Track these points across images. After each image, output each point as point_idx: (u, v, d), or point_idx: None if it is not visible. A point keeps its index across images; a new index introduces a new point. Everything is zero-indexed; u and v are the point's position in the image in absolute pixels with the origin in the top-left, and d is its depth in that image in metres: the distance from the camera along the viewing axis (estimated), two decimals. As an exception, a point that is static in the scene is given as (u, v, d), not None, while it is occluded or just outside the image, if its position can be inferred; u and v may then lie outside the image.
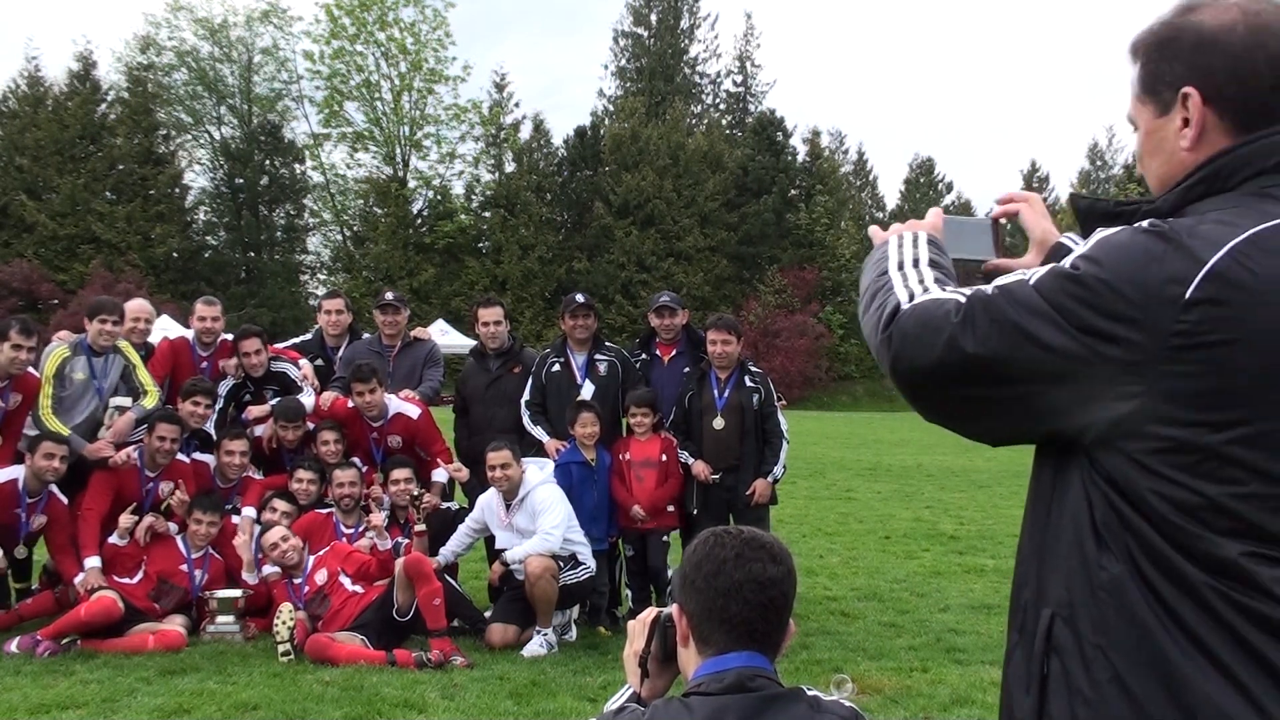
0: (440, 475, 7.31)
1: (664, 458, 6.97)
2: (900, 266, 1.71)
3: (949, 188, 62.53)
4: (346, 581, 6.45)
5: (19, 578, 7.07)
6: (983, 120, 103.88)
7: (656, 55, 60.11)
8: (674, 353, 7.38)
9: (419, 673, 5.68)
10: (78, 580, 6.33)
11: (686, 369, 7.26)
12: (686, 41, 61.37)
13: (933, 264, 1.72)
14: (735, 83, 62.23)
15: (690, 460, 6.97)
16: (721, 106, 62.47)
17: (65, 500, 6.60)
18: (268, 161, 53.18)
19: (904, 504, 13.65)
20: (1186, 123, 1.56)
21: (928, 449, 23.67)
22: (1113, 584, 1.48)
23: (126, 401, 7.00)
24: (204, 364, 7.54)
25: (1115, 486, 1.48)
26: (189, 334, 7.82)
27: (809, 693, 1.97)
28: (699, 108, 61.53)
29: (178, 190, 51.84)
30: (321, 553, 6.65)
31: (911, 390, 1.59)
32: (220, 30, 52.63)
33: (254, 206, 53.25)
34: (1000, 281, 1.55)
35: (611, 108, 59.32)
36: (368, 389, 7.02)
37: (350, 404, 7.19)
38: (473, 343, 8.20)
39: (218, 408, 7.37)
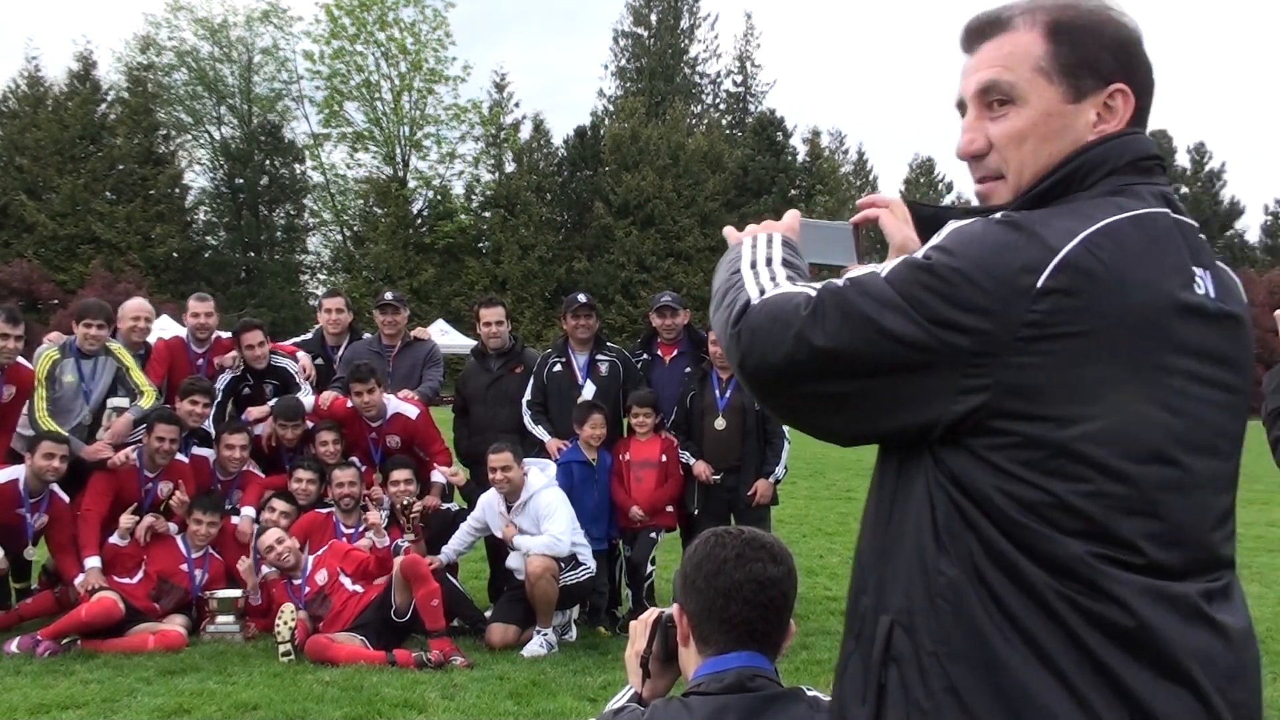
0: (439, 476, 7.31)
1: (664, 458, 6.96)
2: (753, 265, 1.65)
3: (949, 188, 62.45)
4: (347, 582, 6.45)
5: (18, 577, 7.08)
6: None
7: (656, 55, 60.09)
8: (675, 353, 7.38)
9: (419, 673, 5.68)
10: (78, 581, 6.33)
11: (688, 369, 7.26)
12: (686, 41, 61.36)
13: (785, 263, 1.66)
14: (735, 83, 62.27)
15: (691, 461, 6.97)
16: (721, 106, 62.48)
17: (67, 499, 6.60)
18: (268, 161, 53.19)
19: (904, 504, 13.62)
20: (1100, 116, 1.54)
21: (928, 449, 23.55)
22: (951, 588, 1.41)
23: (124, 402, 6.99)
24: (200, 360, 7.54)
25: (959, 485, 1.42)
26: (183, 333, 7.84)
27: (809, 693, 1.97)
28: (699, 108, 61.52)
29: (178, 190, 51.83)
30: (320, 552, 6.65)
31: (762, 388, 1.53)
32: (220, 30, 52.66)
33: (254, 206, 53.26)
34: (852, 273, 1.51)
35: (611, 108, 59.31)
36: (366, 389, 7.03)
37: (349, 404, 7.19)
38: (473, 343, 8.22)
39: (216, 402, 7.39)
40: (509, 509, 6.59)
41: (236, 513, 6.99)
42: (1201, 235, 1.53)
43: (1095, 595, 1.37)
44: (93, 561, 6.38)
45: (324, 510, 7.00)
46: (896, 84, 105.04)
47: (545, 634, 6.33)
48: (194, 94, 52.97)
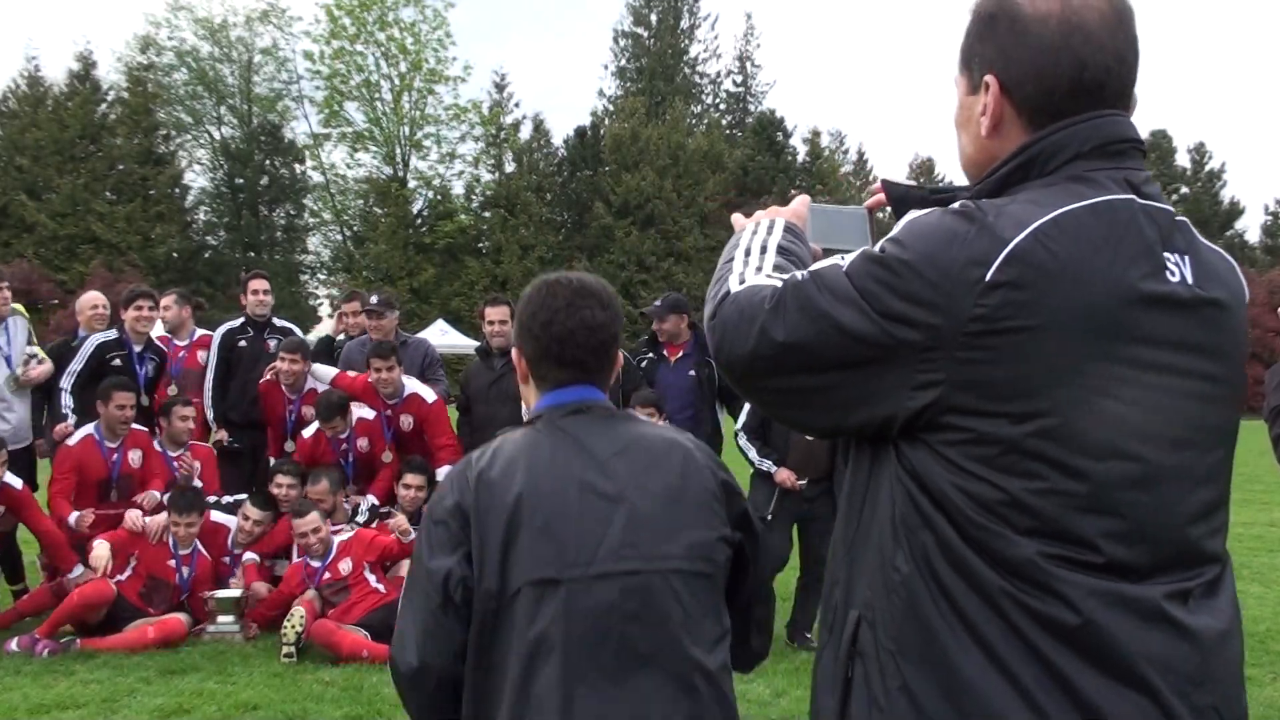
0: (446, 472, 7.27)
1: None
2: (746, 252, 1.65)
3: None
4: (371, 578, 6.40)
5: (12, 579, 7.08)
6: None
7: (656, 55, 60.08)
8: (681, 353, 7.35)
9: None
10: (73, 575, 6.33)
11: (692, 371, 7.21)
12: (686, 41, 61.35)
13: (781, 249, 1.65)
14: (735, 83, 62.24)
15: (771, 468, 6.62)
16: (721, 106, 62.46)
17: (19, 484, 6.55)
18: (268, 161, 53.16)
19: (904, 504, 13.64)
20: (985, 108, 1.52)
21: (928, 449, 23.55)
22: (904, 585, 1.41)
23: (37, 350, 7.19)
24: (182, 355, 7.63)
25: (918, 481, 1.41)
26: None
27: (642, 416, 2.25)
28: (699, 108, 61.50)
29: (178, 190, 51.80)
30: (345, 538, 6.59)
31: (735, 381, 1.55)
32: (220, 30, 52.63)
33: (254, 206, 53.24)
34: (816, 266, 1.50)
35: (611, 108, 59.30)
36: (386, 366, 7.08)
37: (370, 379, 7.23)
38: (472, 342, 8.26)
39: (215, 355, 7.53)
40: None
41: (220, 507, 7.00)
42: (1180, 219, 1.49)
43: (1044, 596, 1.35)
44: (83, 567, 6.41)
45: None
46: (896, 84, 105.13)
47: None
48: (194, 94, 52.95)
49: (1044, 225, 1.37)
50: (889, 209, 1.71)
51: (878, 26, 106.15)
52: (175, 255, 49.71)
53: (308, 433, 7.29)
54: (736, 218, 1.86)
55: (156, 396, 7.45)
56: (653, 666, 1.91)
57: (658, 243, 50.89)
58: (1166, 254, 1.43)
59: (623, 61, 61.30)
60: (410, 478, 7.00)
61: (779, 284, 1.49)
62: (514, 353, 2.21)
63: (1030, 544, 1.35)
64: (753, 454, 6.66)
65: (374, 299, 7.93)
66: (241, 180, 52.43)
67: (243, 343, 7.71)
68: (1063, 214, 1.38)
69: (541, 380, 2.16)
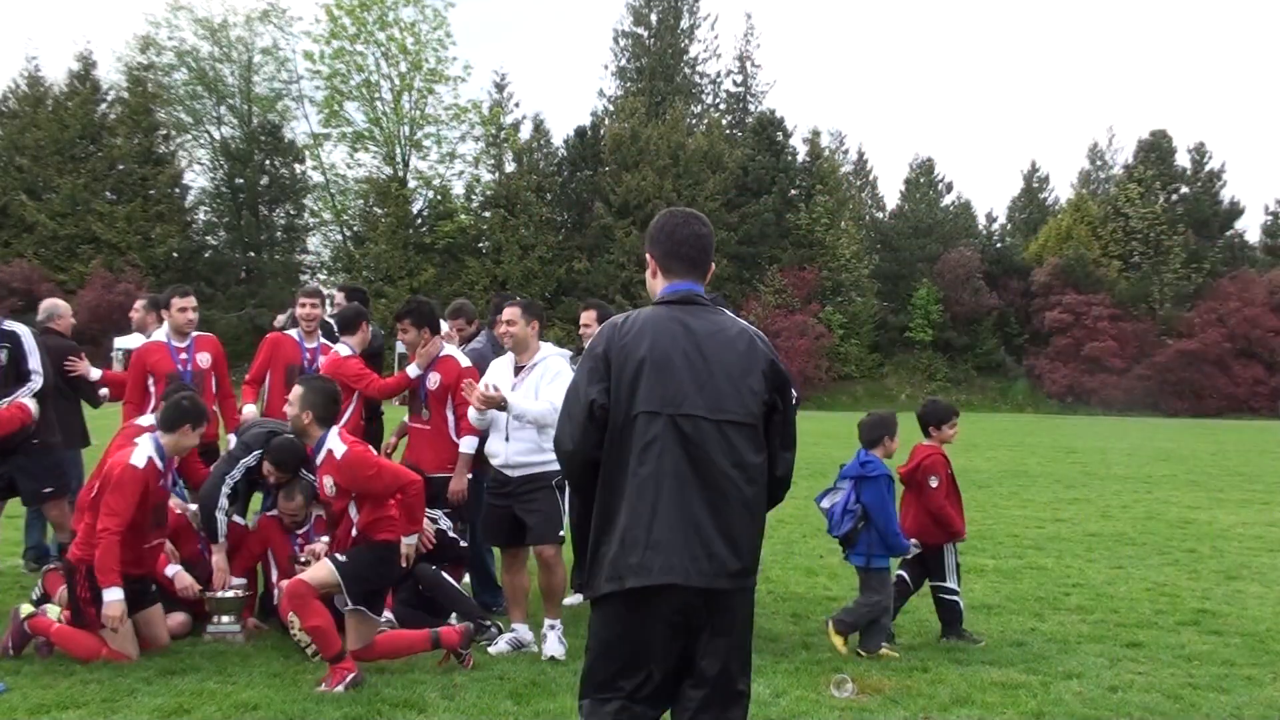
0: (467, 447, 6.90)
1: None
2: None
3: (949, 188, 62.46)
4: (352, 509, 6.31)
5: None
6: (983, 120, 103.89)
7: (656, 55, 60.09)
8: None
9: (419, 673, 5.67)
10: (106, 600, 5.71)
11: None
12: (686, 41, 61.35)
13: None
14: (735, 83, 62.27)
15: None
16: (721, 106, 62.45)
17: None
18: (268, 161, 53.17)
19: (904, 504, 13.64)
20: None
21: (928, 449, 23.56)
22: None
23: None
24: (183, 355, 7.55)
25: None
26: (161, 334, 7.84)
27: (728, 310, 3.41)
28: (699, 108, 61.50)
29: (178, 190, 51.87)
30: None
31: None
32: (220, 30, 52.64)
33: (254, 206, 53.24)
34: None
35: (611, 108, 59.31)
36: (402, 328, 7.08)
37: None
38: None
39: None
40: (516, 372, 6.28)
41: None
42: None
43: None
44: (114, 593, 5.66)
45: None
46: (896, 84, 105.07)
47: (556, 626, 6.08)
48: (194, 94, 52.96)
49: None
50: None
51: (878, 26, 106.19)
52: (175, 255, 49.73)
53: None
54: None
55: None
56: (703, 476, 3.15)
57: (658, 243, 50.85)
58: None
59: (623, 61, 61.37)
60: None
61: None
62: (648, 257, 3.43)
63: None
64: None
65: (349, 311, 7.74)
66: (241, 180, 52.44)
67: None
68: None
69: (667, 272, 3.38)
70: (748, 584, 3.24)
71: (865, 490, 6.28)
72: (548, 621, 6.11)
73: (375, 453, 5.89)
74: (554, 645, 6.02)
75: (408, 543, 5.78)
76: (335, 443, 5.51)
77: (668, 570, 3.08)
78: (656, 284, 3.38)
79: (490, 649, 6.05)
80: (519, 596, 6.28)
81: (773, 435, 3.29)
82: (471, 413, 6.29)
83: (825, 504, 6.53)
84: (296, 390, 5.62)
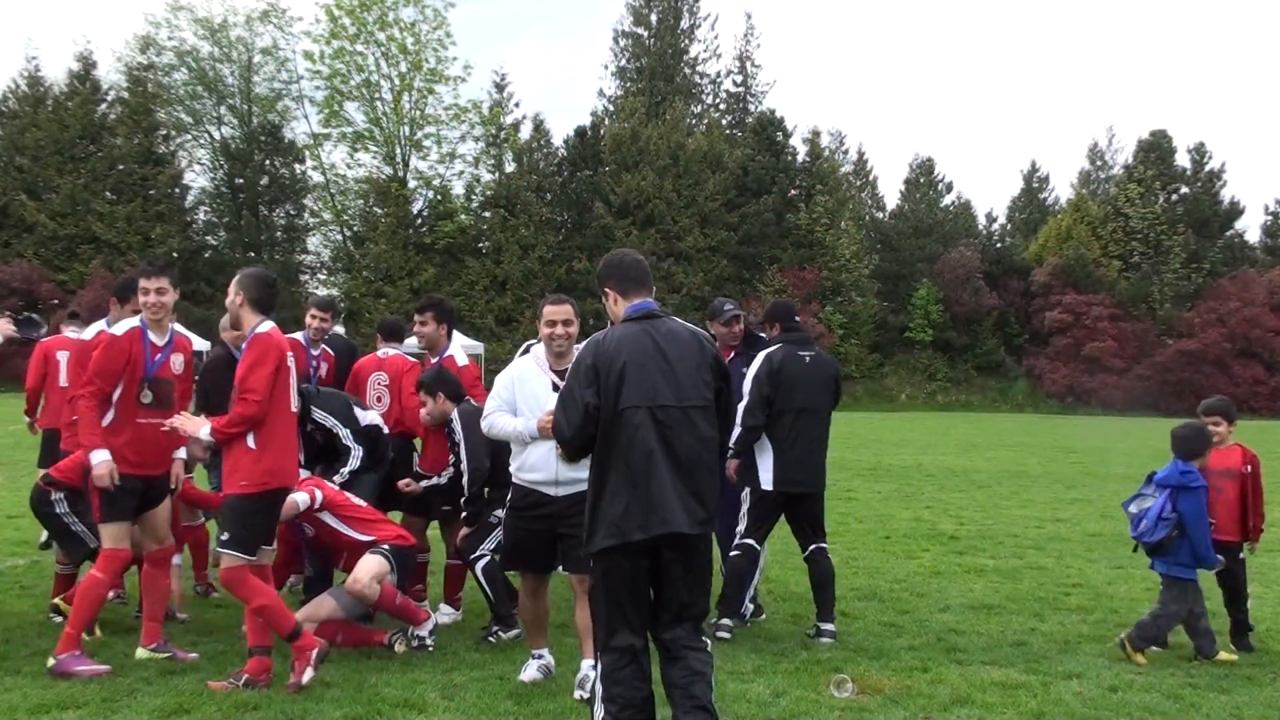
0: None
1: None
2: None
3: (949, 188, 62.45)
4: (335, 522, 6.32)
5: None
6: (983, 120, 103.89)
7: (656, 55, 60.08)
8: (732, 355, 7.18)
9: (419, 673, 5.68)
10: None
11: (745, 369, 6.94)
12: (686, 41, 61.34)
13: None
14: (735, 83, 62.25)
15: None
16: (721, 106, 62.44)
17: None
18: (268, 161, 53.13)
19: (904, 504, 13.68)
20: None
21: (928, 449, 23.66)
22: None
23: None
24: (158, 356, 7.47)
25: None
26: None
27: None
28: (699, 108, 61.49)
29: (178, 190, 51.82)
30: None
31: None
32: (220, 30, 52.63)
33: (254, 206, 53.21)
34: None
35: (611, 108, 59.31)
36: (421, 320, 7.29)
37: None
38: (472, 342, 8.23)
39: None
40: (560, 375, 5.43)
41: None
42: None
43: None
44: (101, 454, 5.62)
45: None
46: (896, 84, 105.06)
47: (544, 655, 5.69)
48: (194, 94, 52.94)
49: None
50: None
51: (878, 26, 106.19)
52: (175, 255, 49.65)
53: None
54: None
55: None
56: (679, 452, 4.13)
57: (658, 242, 50.88)
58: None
59: (623, 61, 61.36)
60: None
61: None
62: (606, 290, 4.41)
63: None
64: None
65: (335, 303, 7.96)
66: (241, 180, 52.41)
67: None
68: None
69: (626, 295, 4.36)
70: (710, 529, 4.25)
71: (1184, 500, 6.34)
72: (587, 662, 5.32)
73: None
74: (534, 673, 5.63)
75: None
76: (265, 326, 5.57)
77: (664, 523, 4.05)
78: (618, 308, 4.36)
79: (522, 676, 5.58)
80: (543, 622, 5.73)
81: (721, 413, 4.35)
82: (525, 433, 5.49)
83: (1133, 509, 6.63)
84: (234, 281, 5.73)
